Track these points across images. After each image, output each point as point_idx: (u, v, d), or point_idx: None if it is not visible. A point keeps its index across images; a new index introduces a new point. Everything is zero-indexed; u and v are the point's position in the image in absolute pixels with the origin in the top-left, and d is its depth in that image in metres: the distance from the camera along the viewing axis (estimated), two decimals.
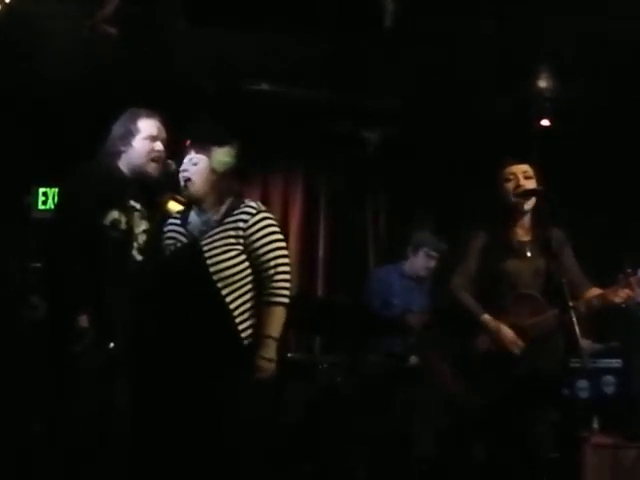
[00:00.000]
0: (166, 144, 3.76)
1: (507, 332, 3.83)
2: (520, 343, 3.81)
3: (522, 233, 3.97)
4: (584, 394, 5.10)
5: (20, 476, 4.02)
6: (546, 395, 3.88)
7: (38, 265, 5.19)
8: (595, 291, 3.83)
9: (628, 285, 3.71)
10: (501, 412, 3.82)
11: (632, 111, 5.84)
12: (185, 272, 3.55)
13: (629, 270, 3.73)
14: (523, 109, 6.23)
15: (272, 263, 3.57)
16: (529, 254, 3.93)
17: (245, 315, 3.54)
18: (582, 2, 4.77)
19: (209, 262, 3.52)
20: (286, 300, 3.57)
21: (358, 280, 6.20)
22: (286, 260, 3.61)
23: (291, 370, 5.05)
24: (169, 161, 3.77)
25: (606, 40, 5.10)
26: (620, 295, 3.73)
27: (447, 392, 4.09)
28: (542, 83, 5.92)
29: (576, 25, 4.97)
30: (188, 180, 3.63)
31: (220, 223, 3.60)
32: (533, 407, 3.83)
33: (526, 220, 3.98)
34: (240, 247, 3.56)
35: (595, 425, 4.88)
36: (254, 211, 3.60)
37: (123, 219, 3.62)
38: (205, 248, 3.55)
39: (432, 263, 5.50)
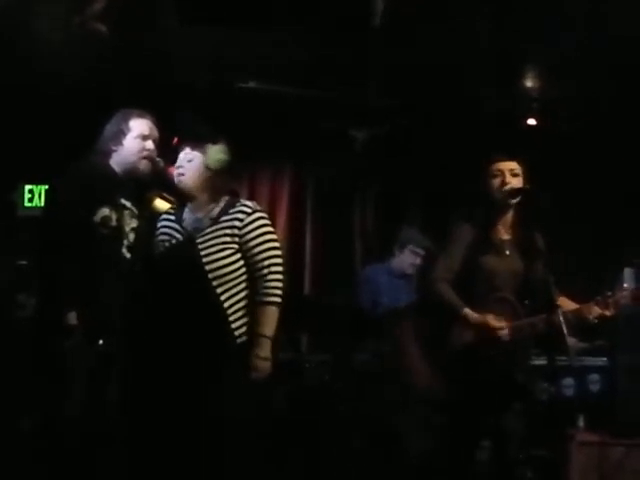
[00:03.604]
0: (157, 143, 3.77)
1: (492, 318, 3.79)
2: (505, 325, 3.80)
3: (503, 231, 3.96)
4: (570, 392, 5.13)
5: (10, 476, 4.01)
6: (513, 395, 3.88)
7: (24, 263, 5.19)
8: (563, 300, 3.84)
9: (605, 306, 3.75)
10: (472, 409, 3.82)
11: (629, 111, 5.88)
12: (181, 268, 3.56)
13: (608, 293, 3.77)
14: (513, 107, 6.26)
15: (266, 263, 3.59)
16: (508, 252, 3.93)
17: (239, 313, 3.56)
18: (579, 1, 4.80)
19: (204, 259, 3.53)
20: (279, 300, 3.59)
21: (345, 279, 6.21)
22: (279, 260, 3.63)
23: (278, 369, 5.04)
24: (157, 159, 3.78)
25: (602, 39, 5.11)
26: (594, 313, 3.75)
27: (420, 386, 4.07)
28: (532, 82, 5.94)
29: (570, 23, 4.99)
30: (182, 176, 3.65)
31: (216, 221, 3.61)
32: (501, 406, 3.84)
33: (509, 218, 3.97)
34: (235, 245, 3.58)
35: (581, 423, 4.90)
36: (250, 210, 3.63)
37: (114, 216, 3.62)
38: (201, 245, 3.56)
39: (418, 260, 5.50)
